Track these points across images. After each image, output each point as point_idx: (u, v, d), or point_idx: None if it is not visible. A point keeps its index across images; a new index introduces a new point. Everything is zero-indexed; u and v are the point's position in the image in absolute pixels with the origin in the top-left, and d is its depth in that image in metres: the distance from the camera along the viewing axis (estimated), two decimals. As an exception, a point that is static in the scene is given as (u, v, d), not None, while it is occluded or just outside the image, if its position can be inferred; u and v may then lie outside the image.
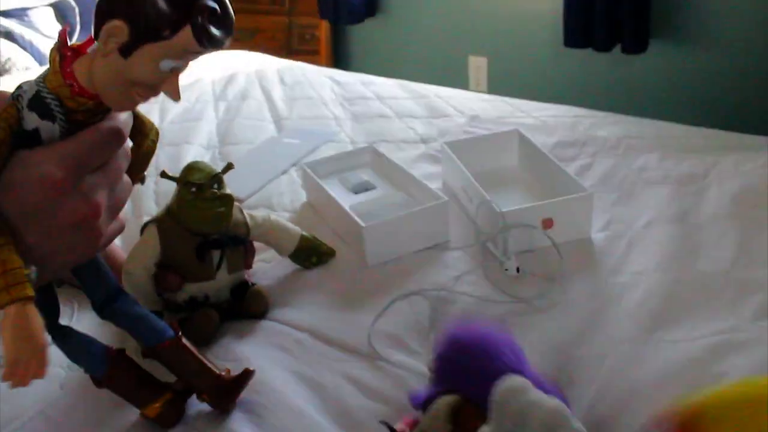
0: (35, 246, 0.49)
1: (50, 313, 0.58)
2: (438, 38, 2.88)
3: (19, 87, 0.48)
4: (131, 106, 0.50)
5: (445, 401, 0.55)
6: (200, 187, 0.74)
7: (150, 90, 0.48)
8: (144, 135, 0.57)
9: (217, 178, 0.75)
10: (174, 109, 1.51)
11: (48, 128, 0.48)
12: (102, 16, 0.45)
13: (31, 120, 0.47)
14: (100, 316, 0.61)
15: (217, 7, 0.46)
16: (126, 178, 0.55)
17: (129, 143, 0.55)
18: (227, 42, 0.47)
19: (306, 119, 1.40)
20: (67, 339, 0.61)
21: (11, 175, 0.47)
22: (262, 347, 0.76)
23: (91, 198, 0.50)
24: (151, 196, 1.13)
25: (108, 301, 0.61)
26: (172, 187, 1.13)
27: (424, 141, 1.26)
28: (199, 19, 0.45)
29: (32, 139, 0.48)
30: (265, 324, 0.79)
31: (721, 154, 1.10)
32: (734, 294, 0.79)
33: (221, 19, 0.46)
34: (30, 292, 0.45)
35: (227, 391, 0.65)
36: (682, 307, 0.78)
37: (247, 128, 1.38)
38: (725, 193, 0.99)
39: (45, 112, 0.47)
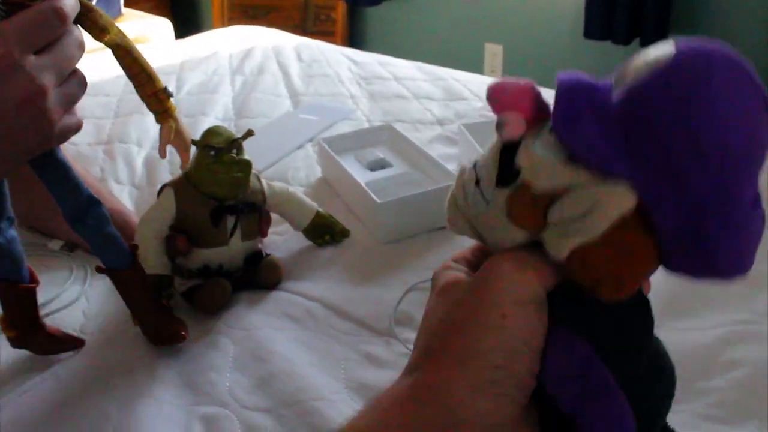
0: None
1: (70, 206, 0.60)
2: (454, 24, 2.87)
3: None
4: None
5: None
6: (219, 151, 0.74)
7: None
8: (101, 28, 0.56)
9: (236, 144, 0.76)
10: (190, 80, 1.51)
11: None
12: None
13: None
14: (72, 228, 0.62)
15: None
16: (81, 72, 0.55)
17: (81, 33, 0.54)
18: None
19: (322, 96, 1.40)
20: (96, 231, 0.62)
21: None
22: (273, 316, 0.76)
23: (36, 77, 0.49)
24: (166, 167, 1.14)
25: (79, 215, 0.61)
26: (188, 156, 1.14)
27: (440, 123, 1.26)
28: None
29: None
30: (276, 294, 0.80)
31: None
32: (747, 287, 0.79)
33: None
34: None
35: (159, 339, 0.70)
36: (695, 297, 0.77)
37: (263, 102, 1.38)
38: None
39: None
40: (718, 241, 0.34)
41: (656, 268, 0.37)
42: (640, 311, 0.39)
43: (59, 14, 0.50)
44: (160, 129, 0.59)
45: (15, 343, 0.69)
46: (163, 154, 0.60)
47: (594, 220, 0.34)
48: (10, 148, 0.51)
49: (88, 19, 0.54)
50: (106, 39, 0.56)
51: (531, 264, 0.38)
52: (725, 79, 0.34)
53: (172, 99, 0.59)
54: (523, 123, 0.37)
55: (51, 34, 0.51)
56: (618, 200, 0.34)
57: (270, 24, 2.77)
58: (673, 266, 0.36)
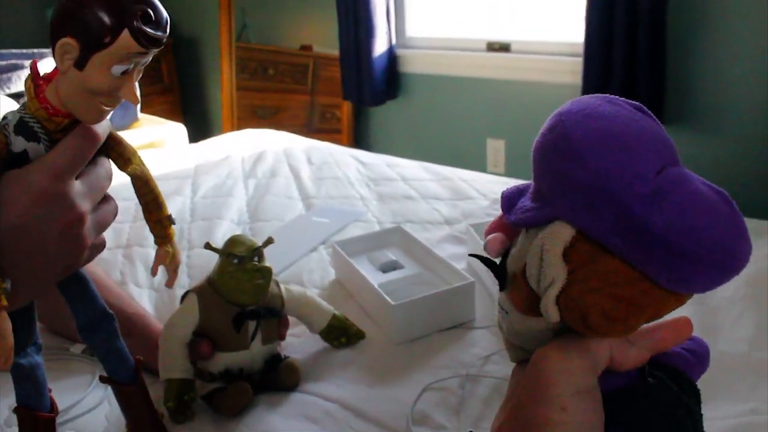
0: (20, 261, 0.52)
1: (84, 316, 0.63)
2: (457, 121, 2.96)
3: (4, 117, 0.53)
4: (99, 116, 0.54)
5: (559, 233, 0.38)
6: (242, 260, 0.78)
7: (111, 97, 0.53)
8: (125, 159, 0.60)
9: (258, 252, 0.80)
10: (205, 184, 1.57)
11: (34, 149, 0.53)
12: (54, 37, 0.50)
13: (19, 143, 0.53)
14: (82, 338, 0.65)
15: (148, 9, 0.51)
16: (113, 201, 0.59)
17: (110, 165, 0.58)
18: (164, 39, 0.52)
19: (333, 198, 1.46)
20: (105, 343, 0.65)
21: (1, 194, 0.52)
22: (293, 418, 0.78)
23: (78, 205, 0.54)
24: (184, 269, 1.18)
25: (91, 326, 0.64)
26: (203, 260, 1.18)
27: (448, 222, 1.30)
28: (134, 22, 0.50)
29: (22, 161, 0.53)
30: (295, 396, 0.82)
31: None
32: (754, 376, 0.81)
33: (155, 19, 0.51)
34: (4, 302, 0.50)
35: None
36: (704, 387, 0.79)
37: (276, 205, 1.43)
38: (742, 277, 1.01)
39: (30, 135, 0.53)
40: (647, 219, 0.35)
41: (646, 291, 0.36)
42: (691, 413, 0.39)
43: (90, 135, 0.55)
44: (157, 251, 0.63)
45: None
46: (154, 272, 0.65)
47: (547, 263, 0.37)
48: (48, 270, 0.56)
49: (114, 150, 0.59)
50: (129, 169, 0.60)
51: (574, 348, 0.38)
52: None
53: (173, 226, 0.64)
54: (498, 241, 0.43)
55: (87, 156, 0.55)
56: (555, 233, 0.38)
57: (277, 123, 2.88)
58: (657, 277, 0.36)
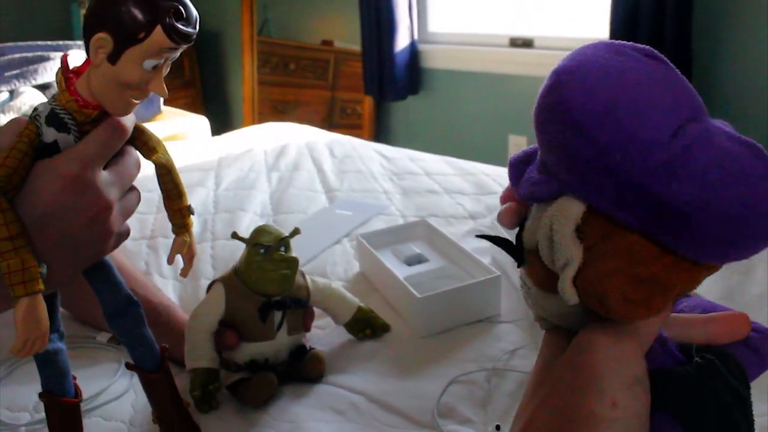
0: (51, 248, 0.54)
1: (110, 303, 0.64)
2: (478, 117, 2.95)
3: (35, 109, 0.55)
4: (128, 109, 0.56)
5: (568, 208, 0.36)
6: (268, 249, 0.78)
7: (140, 91, 0.54)
8: (150, 147, 0.61)
9: (284, 242, 0.80)
10: (228, 176, 1.57)
11: (65, 139, 0.54)
12: (88, 32, 0.52)
13: (50, 134, 0.54)
14: (109, 325, 0.65)
15: (180, 6, 0.52)
16: (136, 189, 0.61)
17: (138, 155, 0.60)
18: (194, 36, 0.54)
19: (356, 192, 1.45)
20: (131, 330, 0.66)
21: (32, 183, 0.53)
22: (318, 409, 0.78)
23: (105, 194, 0.55)
24: (208, 260, 1.18)
25: (117, 313, 0.64)
26: (227, 251, 1.19)
27: (472, 217, 1.29)
28: (167, 18, 0.51)
29: (53, 150, 0.55)
30: (320, 387, 0.82)
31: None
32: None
33: (186, 16, 0.53)
34: (41, 286, 0.52)
35: None
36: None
37: (299, 198, 1.43)
38: (772, 276, 1.01)
39: (60, 126, 0.54)
40: (663, 193, 0.32)
41: (670, 266, 0.34)
42: (740, 397, 0.36)
43: (119, 126, 0.56)
44: (174, 239, 0.64)
45: None
46: (170, 261, 0.65)
47: (558, 243, 0.35)
48: (76, 257, 0.57)
49: (139, 139, 0.60)
50: (153, 158, 0.61)
51: (624, 332, 0.35)
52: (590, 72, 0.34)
53: (192, 216, 0.64)
54: (511, 212, 0.41)
55: (115, 147, 0.57)
56: (563, 210, 0.34)
57: (298, 118, 2.88)
58: (684, 251, 0.33)
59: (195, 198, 1.43)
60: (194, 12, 0.54)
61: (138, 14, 0.51)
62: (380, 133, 3.29)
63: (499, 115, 2.88)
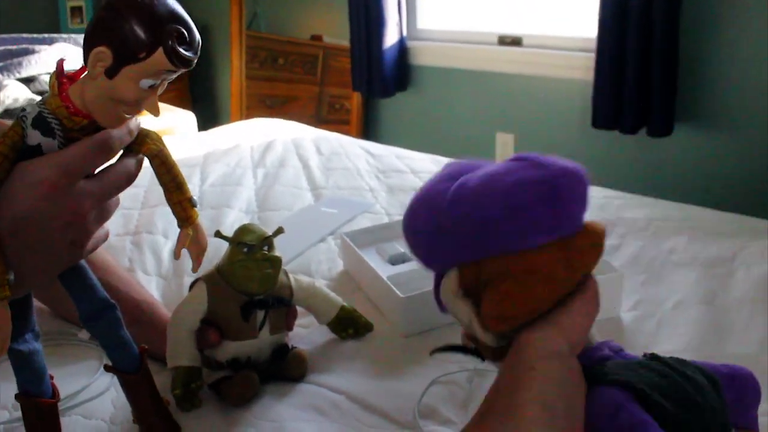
0: (24, 251, 0.54)
1: (86, 307, 0.64)
2: (466, 114, 2.95)
3: (23, 109, 0.55)
4: (119, 122, 0.56)
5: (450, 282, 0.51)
6: (251, 248, 0.78)
7: (133, 107, 0.54)
8: (139, 141, 0.60)
9: (267, 241, 0.79)
10: (214, 172, 1.56)
11: (49, 144, 0.54)
12: (89, 43, 0.52)
13: (34, 137, 0.54)
14: (86, 327, 0.65)
15: (184, 31, 0.52)
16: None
17: (129, 166, 0.59)
18: (194, 61, 0.54)
19: (342, 189, 1.45)
20: (108, 332, 0.66)
21: (9, 185, 0.53)
22: (300, 409, 0.78)
23: (80, 204, 0.55)
24: (192, 257, 1.17)
25: (92, 316, 0.64)
26: (211, 248, 1.18)
27: (457, 215, 1.30)
28: (170, 42, 0.51)
29: (35, 153, 0.54)
30: (302, 386, 0.82)
31: (748, 239, 1.13)
32: (764, 378, 0.80)
33: (189, 41, 0.53)
34: (7, 292, 0.53)
35: None
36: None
37: (285, 195, 1.43)
38: (753, 278, 1.02)
39: (46, 130, 0.54)
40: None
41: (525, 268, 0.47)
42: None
43: (106, 146, 0.56)
44: (179, 233, 0.63)
45: None
46: (177, 255, 0.64)
47: (454, 311, 0.50)
48: (50, 262, 0.57)
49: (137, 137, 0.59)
50: (144, 150, 0.60)
51: (554, 322, 0.45)
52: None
53: (196, 208, 0.63)
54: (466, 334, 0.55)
55: (97, 164, 0.56)
56: (444, 283, 0.50)
57: (286, 113, 2.87)
58: (500, 251, 0.48)
59: (180, 194, 1.42)
60: (197, 37, 0.54)
61: (141, 34, 0.51)
62: (368, 130, 3.29)
63: (487, 112, 2.89)
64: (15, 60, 1.92)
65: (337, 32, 3.28)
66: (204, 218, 1.30)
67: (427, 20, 3.07)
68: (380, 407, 0.78)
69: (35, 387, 0.65)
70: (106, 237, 0.61)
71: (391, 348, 0.89)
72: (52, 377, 0.67)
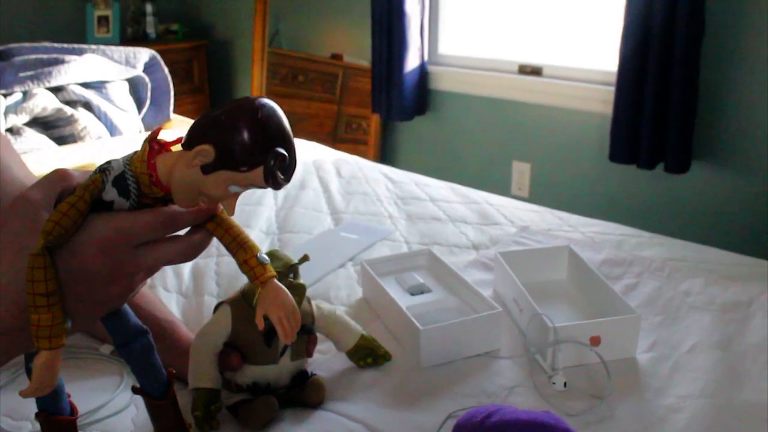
0: (76, 298, 0.56)
1: (119, 335, 0.66)
2: (484, 141, 2.97)
3: (108, 163, 0.57)
4: (192, 206, 0.58)
5: None
6: (277, 276, 0.79)
7: (212, 202, 0.57)
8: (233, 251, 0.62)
9: (293, 269, 0.81)
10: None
11: (121, 203, 0.57)
12: (198, 135, 0.54)
13: (111, 194, 0.56)
14: (119, 354, 0.67)
15: (287, 156, 0.55)
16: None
17: (195, 244, 0.61)
18: (284, 186, 0.56)
19: (362, 215, 1.47)
20: (141, 358, 0.67)
21: (74, 239, 0.55)
22: (317, 435, 0.79)
23: (133, 265, 0.57)
24: (213, 277, 1.19)
25: (127, 341, 0.66)
26: (232, 269, 1.20)
27: (475, 247, 1.31)
28: (272, 163, 0.54)
29: (105, 208, 0.57)
30: (320, 413, 0.83)
31: (765, 284, 1.13)
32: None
33: (287, 167, 0.55)
34: (64, 341, 0.55)
35: None
36: (726, 436, 0.80)
37: (305, 218, 1.44)
38: (768, 324, 1.02)
39: (124, 191, 0.56)
40: None
41: None
42: None
43: (172, 225, 0.58)
44: (256, 295, 0.63)
45: None
46: (259, 324, 0.62)
47: None
48: (95, 310, 0.60)
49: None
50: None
51: None
52: None
53: (267, 264, 0.62)
54: None
55: (159, 236, 0.59)
56: None
57: (303, 130, 2.89)
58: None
59: (201, 211, 1.44)
60: (296, 164, 0.56)
61: (249, 151, 0.53)
62: (385, 152, 3.31)
63: (504, 140, 2.90)
64: (45, 69, 1.96)
65: (357, 52, 3.31)
66: (225, 237, 1.32)
67: (449, 46, 3.10)
68: (396, 438, 0.78)
69: (53, 405, 0.67)
70: (144, 284, 0.63)
71: (409, 379, 0.90)
72: (69, 395, 0.68)
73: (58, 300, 0.54)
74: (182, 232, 0.61)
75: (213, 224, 0.61)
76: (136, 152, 0.57)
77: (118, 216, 0.56)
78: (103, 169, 0.56)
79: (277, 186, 0.55)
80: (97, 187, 0.56)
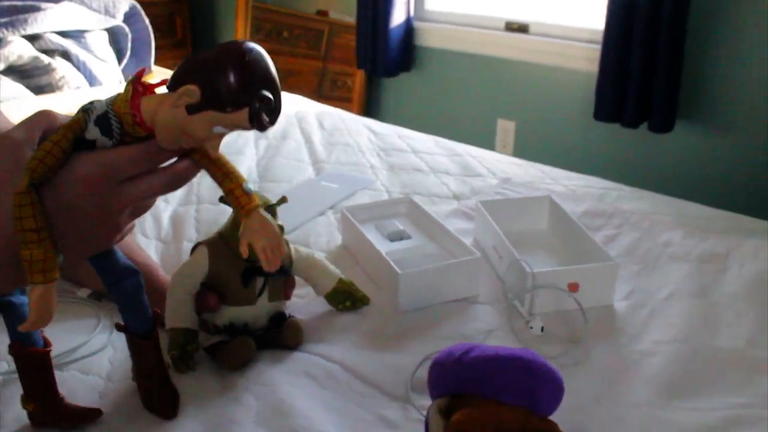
0: (64, 235, 0.56)
1: (109, 274, 0.66)
2: (469, 98, 2.95)
3: (91, 103, 0.57)
4: (176, 147, 0.58)
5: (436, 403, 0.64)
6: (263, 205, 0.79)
7: (196, 142, 0.57)
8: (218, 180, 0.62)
9: (270, 209, 0.80)
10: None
11: (103, 142, 0.56)
12: (185, 72, 0.54)
13: (93, 133, 0.56)
14: (109, 292, 0.67)
15: (272, 99, 0.55)
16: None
17: (184, 166, 0.60)
18: (270, 127, 0.56)
19: (343, 165, 1.46)
20: (130, 296, 0.67)
21: (60, 176, 0.55)
22: (294, 375, 0.79)
23: (119, 200, 0.57)
24: (192, 223, 1.18)
25: (118, 280, 0.66)
26: (212, 215, 1.19)
27: (456, 197, 1.31)
28: (257, 105, 0.54)
29: (88, 147, 0.56)
30: (298, 354, 0.83)
31: (742, 238, 1.14)
32: (749, 372, 0.82)
33: (273, 110, 0.55)
34: (57, 275, 0.55)
35: (148, 405, 0.73)
36: (699, 378, 0.81)
37: (286, 167, 1.43)
38: (744, 275, 1.03)
39: (106, 130, 0.56)
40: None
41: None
42: None
43: (154, 159, 0.58)
44: (240, 226, 0.62)
45: (34, 419, 0.70)
46: (243, 252, 0.62)
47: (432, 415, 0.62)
48: (84, 247, 0.60)
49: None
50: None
51: None
52: None
53: (252, 194, 0.61)
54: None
55: (143, 170, 0.58)
56: (431, 411, 0.63)
57: (288, 87, 2.86)
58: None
59: (182, 160, 1.43)
60: (281, 107, 0.56)
61: (236, 91, 0.53)
62: (370, 108, 3.29)
63: (489, 98, 2.89)
64: (20, 16, 1.92)
65: (343, 8, 3.26)
66: (204, 186, 1.31)
67: (435, 1, 3.06)
68: (373, 379, 0.79)
69: (27, 337, 0.67)
70: (131, 229, 0.63)
71: (387, 322, 0.90)
72: (42, 331, 0.68)
73: (49, 235, 0.54)
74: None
75: (198, 155, 0.60)
76: (119, 94, 0.57)
77: (100, 152, 0.56)
78: (86, 108, 0.56)
79: (261, 128, 0.55)
80: (80, 126, 0.56)
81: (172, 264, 1.05)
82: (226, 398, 0.76)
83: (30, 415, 0.70)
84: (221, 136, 0.56)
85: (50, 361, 0.69)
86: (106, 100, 0.57)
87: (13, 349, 0.67)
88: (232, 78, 0.53)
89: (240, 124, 0.55)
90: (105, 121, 0.56)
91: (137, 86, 0.56)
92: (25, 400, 0.69)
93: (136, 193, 0.58)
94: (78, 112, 0.57)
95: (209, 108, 0.53)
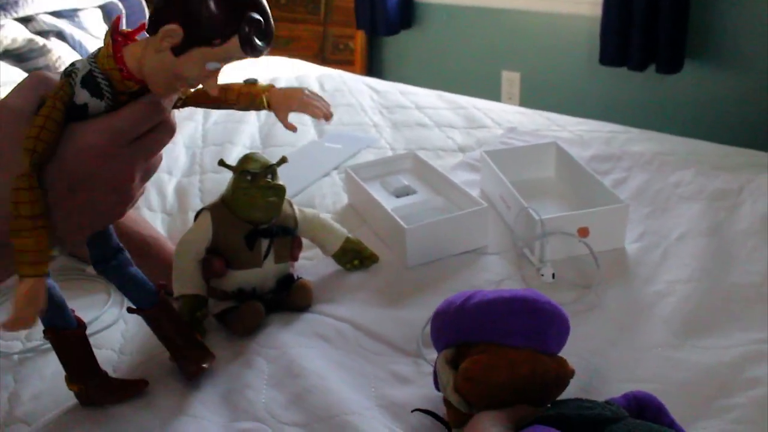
0: (78, 211, 0.55)
1: (99, 253, 0.65)
2: (472, 52, 2.91)
3: (73, 65, 0.53)
4: (171, 94, 0.55)
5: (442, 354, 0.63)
6: (255, 176, 0.78)
7: (192, 84, 0.54)
8: (223, 100, 0.61)
9: (271, 169, 0.79)
10: (217, 110, 1.55)
11: (96, 104, 0.53)
12: (162, 12, 0.50)
13: (82, 96, 0.53)
14: (97, 271, 0.66)
15: (262, 20, 0.51)
16: (161, 153, 0.60)
17: (174, 123, 0.59)
18: (267, 51, 0.53)
19: (346, 125, 1.44)
20: (119, 272, 0.66)
21: (62, 151, 0.53)
22: (305, 336, 0.79)
23: (128, 167, 0.55)
24: (197, 194, 1.18)
25: (103, 259, 0.65)
26: (215, 184, 1.18)
27: (462, 150, 1.29)
28: (246, 30, 0.50)
29: (80, 113, 0.53)
30: (307, 316, 0.83)
31: (754, 173, 1.12)
32: (766, 307, 0.81)
33: (264, 31, 0.51)
34: (47, 270, 0.52)
35: (194, 360, 0.71)
36: (715, 316, 0.80)
37: (288, 132, 1.41)
38: (758, 211, 1.01)
39: (95, 91, 0.53)
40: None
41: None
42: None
43: (157, 110, 0.56)
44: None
45: (82, 400, 0.68)
46: (287, 126, 0.64)
47: (440, 372, 0.61)
48: (95, 220, 0.59)
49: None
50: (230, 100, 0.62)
51: (505, 411, 0.55)
52: None
53: (256, 82, 0.62)
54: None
55: (147, 127, 0.56)
56: (439, 360, 0.62)
57: (290, 53, 2.83)
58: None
59: (184, 132, 1.41)
60: (272, 28, 0.52)
61: (220, 20, 0.49)
62: (372, 69, 3.25)
63: (492, 50, 2.84)
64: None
65: (340, -32, 3.21)
66: (208, 155, 1.30)
67: (432, -45, 3.00)
68: (384, 335, 0.78)
69: (59, 319, 0.65)
70: (140, 195, 0.62)
71: (396, 279, 0.89)
72: (73, 310, 0.67)
73: (45, 224, 0.51)
74: None
75: (193, 92, 0.59)
76: (99, 49, 0.53)
77: (100, 120, 0.53)
78: (68, 72, 0.53)
79: (256, 53, 0.51)
80: (67, 92, 0.52)
81: (179, 235, 1.03)
82: (239, 363, 0.75)
83: (77, 395, 0.69)
84: (217, 71, 0.53)
85: (87, 340, 0.68)
86: (87, 58, 0.53)
87: (48, 334, 0.65)
88: (212, 6, 0.49)
89: (233, 55, 0.51)
90: (92, 82, 0.52)
91: (116, 37, 0.52)
92: (70, 381, 0.68)
93: (146, 148, 0.56)
94: (61, 77, 0.53)
95: (196, 45, 0.50)
